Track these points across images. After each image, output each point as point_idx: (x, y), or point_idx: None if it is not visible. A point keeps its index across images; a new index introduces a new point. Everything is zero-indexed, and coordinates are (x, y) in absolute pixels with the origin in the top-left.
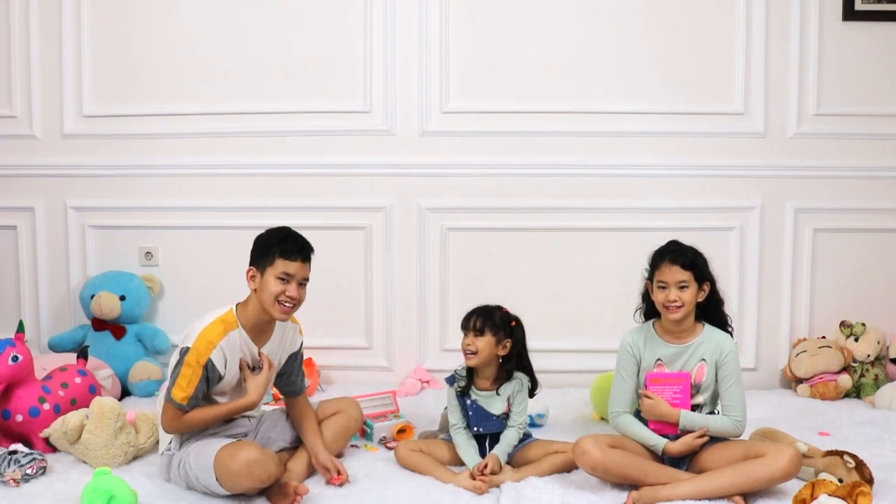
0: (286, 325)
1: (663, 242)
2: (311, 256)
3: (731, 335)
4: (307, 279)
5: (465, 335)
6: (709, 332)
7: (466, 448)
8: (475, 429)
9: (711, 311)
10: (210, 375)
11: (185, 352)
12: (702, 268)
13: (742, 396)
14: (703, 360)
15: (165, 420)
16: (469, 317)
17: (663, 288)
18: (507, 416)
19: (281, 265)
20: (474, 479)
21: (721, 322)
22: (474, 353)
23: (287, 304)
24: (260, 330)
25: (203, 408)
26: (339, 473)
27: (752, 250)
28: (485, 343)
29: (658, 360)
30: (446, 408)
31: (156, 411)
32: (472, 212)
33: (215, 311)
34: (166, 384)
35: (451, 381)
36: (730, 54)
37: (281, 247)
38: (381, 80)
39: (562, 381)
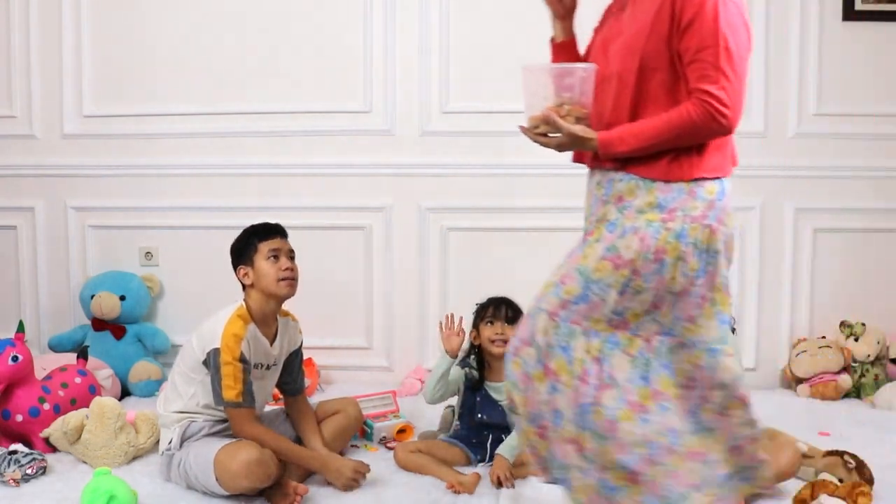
0: (287, 322)
1: None
2: (287, 233)
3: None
4: (293, 252)
5: (493, 324)
6: None
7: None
8: (479, 416)
9: None
10: (247, 367)
11: (215, 354)
12: None
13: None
14: None
15: (235, 428)
16: (498, 305)
17: None
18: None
19: (265, 246)
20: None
21: None
22: (506, 343)
23: (288, 278)
24: (267, 323)
25: (278, 436)
26: None
27: (752, 250)
28: (513, 332)
29: None
30: (447, 407)
31: (156, 411)
32: (472, 212)
33: (224, 310)
34: (166, 385)
35: (463, 364)
36: None
37: (257, 235)
38: (381, 80)
39: None
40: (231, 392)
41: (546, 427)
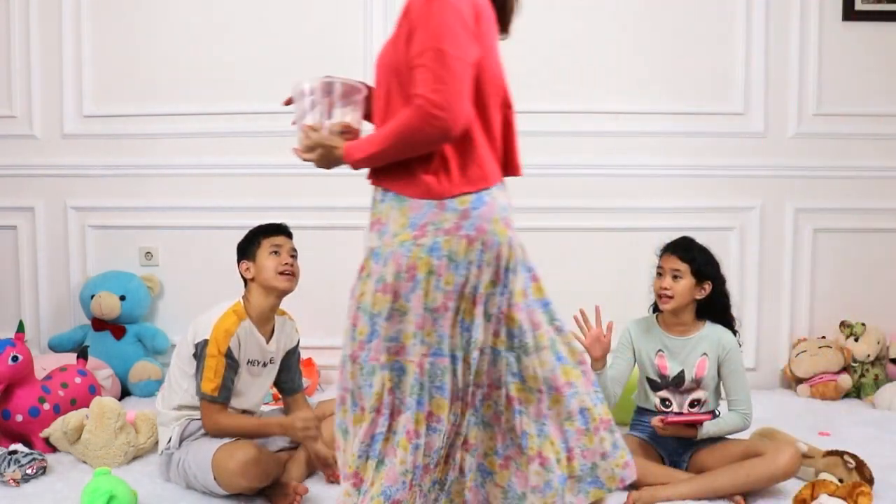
0: (284, 321)
1: (662, 242)
2: (291, 234)
3: (735, 330)
4: (296, 251)
5: None
6: (710, 328)
7: None
8: None
9: (717, 313)
10: (231, 363)
11: (203, 345)
12: (702, 265)
13: (748, 389)
14: (705, 354)
15: (204, 419)
16: None
17: (660, 275)
18: None
19: (268, 241)
20: None
21: (726, 324)
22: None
23: (287, 273)
24: (264, 319)
25: (240, 416)
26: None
27: (752, 250)
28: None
29: (659, 350)
30: None
31: (156, 410)
32: None
33: (220, 305)
34: (164, 385)
35: None
36: (730, 54)
37: (262, 232)
38: None
39: None
40: (209, 385)
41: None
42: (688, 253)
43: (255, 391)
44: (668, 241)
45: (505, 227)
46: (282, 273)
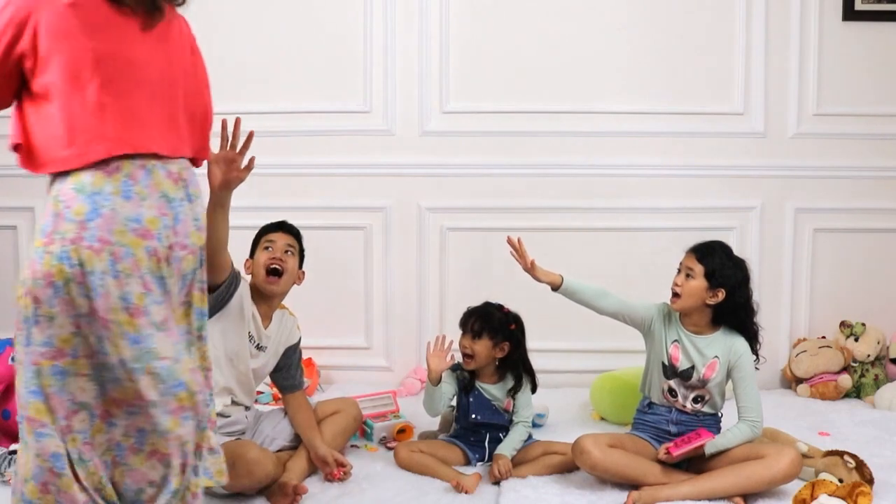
0: (283, 314)
1: (662, 243)
2: (295, 232)
3: (756, 344)
4: (292, 248)
5: (463, 335)
6: (724, 332)
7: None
8: (473, 417)
9: (734, 322)
10: None
11: None
12: (716, 270)
13: (757, 396)
14: (717, 357)
15: None
16: (467, 318)
17: (678, 272)
18: (506, 410)
19: (264, 238)
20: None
21: (745, 335)
22: (471, 357)
23: (272, 267)
24: (263, 305)
25: None
26: (341, 465)
27: (752, 250)
28: (482, 346)
29: (675, 340)
30: (448, 407)
31: None
32: (472, 212)
33: None
34: None
35: (454, 368)
36: (730, 54)
37: (264, 230)
38: (381, 80)
39: (562, 381)
40: None
41: (50, 478)
42: (705, 256)
43: (251, 379)
44: (699, 240)
45: (138, 237)
46: (267, 267)
